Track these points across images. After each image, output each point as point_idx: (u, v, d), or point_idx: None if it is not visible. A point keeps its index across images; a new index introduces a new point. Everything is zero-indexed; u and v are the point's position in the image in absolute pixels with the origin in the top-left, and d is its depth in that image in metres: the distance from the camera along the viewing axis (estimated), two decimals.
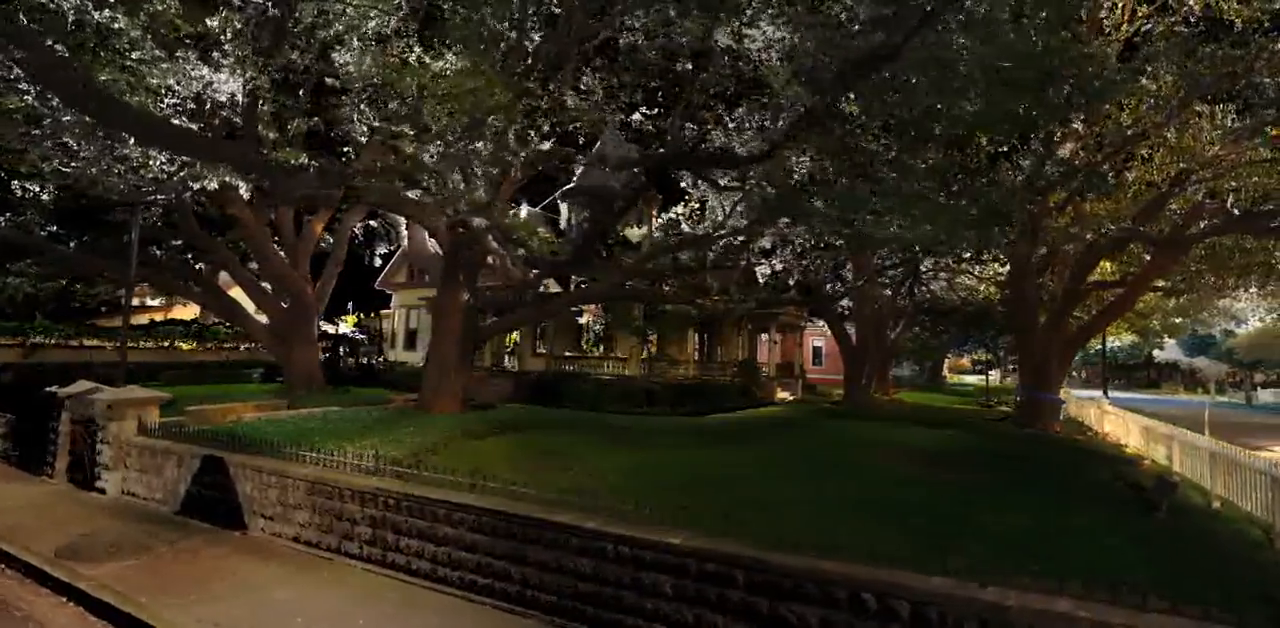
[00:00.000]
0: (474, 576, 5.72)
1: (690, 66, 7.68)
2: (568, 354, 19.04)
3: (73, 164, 7.31)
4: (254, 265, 16.62)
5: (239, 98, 6.70)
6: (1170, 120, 10.76)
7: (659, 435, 10.57)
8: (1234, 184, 12.53)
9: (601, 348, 20.15)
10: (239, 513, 7.59)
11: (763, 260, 15.73)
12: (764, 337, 24.45)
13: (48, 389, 10.22)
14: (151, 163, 7.09)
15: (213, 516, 7.79)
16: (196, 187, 7.13)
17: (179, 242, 15.27)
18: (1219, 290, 16.44)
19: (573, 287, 16.09)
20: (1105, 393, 21.62)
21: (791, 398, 21.24)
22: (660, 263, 11.61)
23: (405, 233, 22.89)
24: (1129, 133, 11.36)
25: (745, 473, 7.77)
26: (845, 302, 19.62)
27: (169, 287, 15.22)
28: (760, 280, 19.20)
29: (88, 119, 6.38)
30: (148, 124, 6.26)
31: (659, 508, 5.25)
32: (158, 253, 14.66)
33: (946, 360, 43.47)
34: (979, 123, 6.09)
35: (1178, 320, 22.30)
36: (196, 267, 15.82)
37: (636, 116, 10.19)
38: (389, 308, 27.91)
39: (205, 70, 6.35)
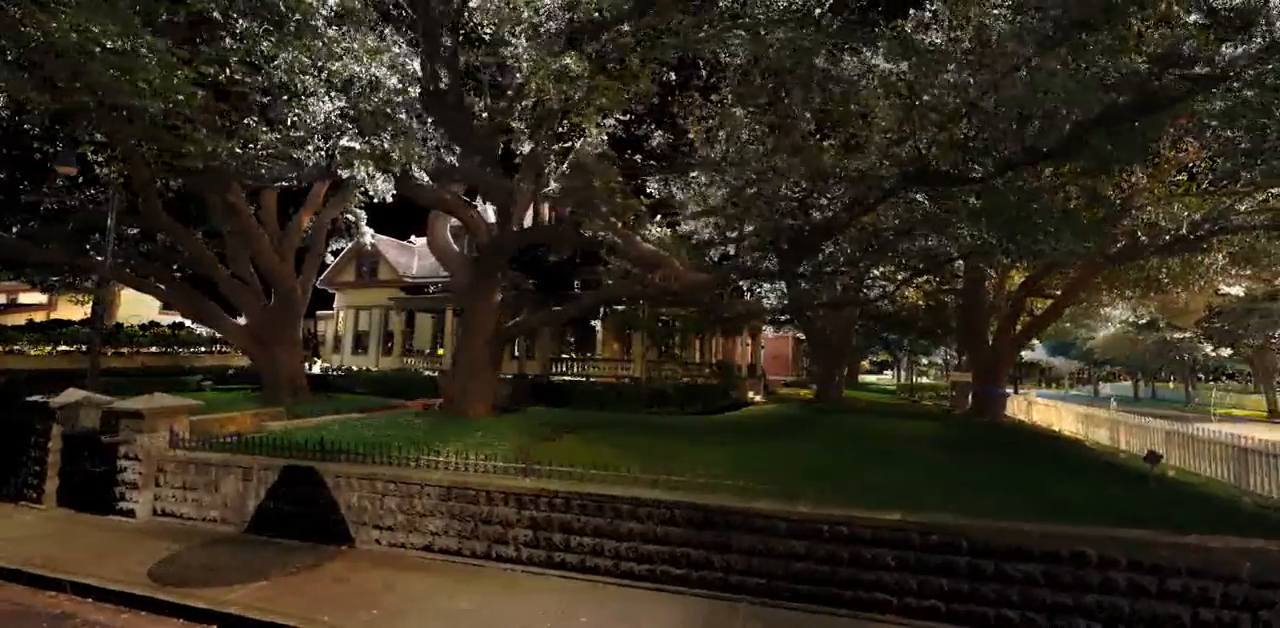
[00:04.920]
0: (666, 567, 5.85)
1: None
2: (562, 357, 18.82)
3: (249, 146, 6.34)
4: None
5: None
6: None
7: (710, 433, 10.93)
8: (1141, 213, 15.30)
9: (597, 350, 20.07)
10: (340, 526, 7.04)
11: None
12: (723, 340, 25.52)
13: (31, 399, 8.71)
14: (308, 146, 6.35)
15: (300, 531, 7.14)
16: (345, 174, 6.49)
17: (136, 230, 13.32)
18: (1115, 299, 19.78)
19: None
20: (1017, 390, 25.01)
21: (760, 398, 22.40)
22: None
23: (366, 229, 21.43)
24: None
25: (832, 462, 8.35)
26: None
27: (130, 282, 13.23)
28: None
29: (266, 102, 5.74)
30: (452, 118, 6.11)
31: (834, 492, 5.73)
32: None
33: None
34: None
35: (1067, 325, 26.36)
36: (170, 261, 13.85)
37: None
38: (329, 308, 25.81)
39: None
